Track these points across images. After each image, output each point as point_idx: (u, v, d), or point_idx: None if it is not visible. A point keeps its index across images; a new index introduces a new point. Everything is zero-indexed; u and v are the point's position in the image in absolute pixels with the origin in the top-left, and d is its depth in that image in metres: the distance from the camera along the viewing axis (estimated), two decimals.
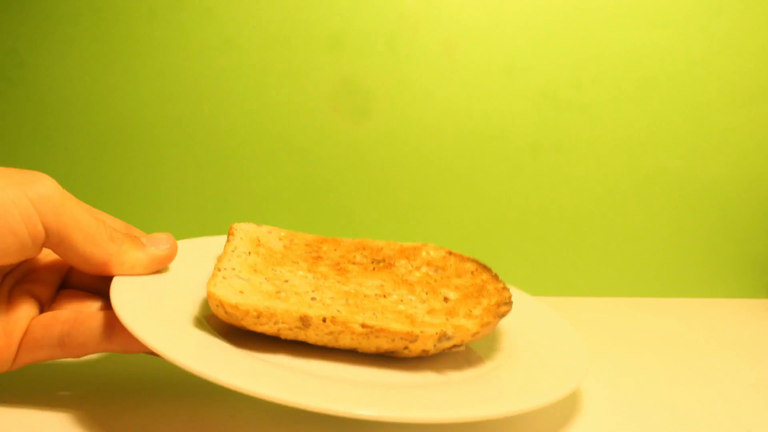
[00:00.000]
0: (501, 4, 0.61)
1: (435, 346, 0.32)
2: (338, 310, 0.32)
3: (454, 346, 0.33)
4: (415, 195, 0.63)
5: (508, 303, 0.35)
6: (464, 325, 0.33)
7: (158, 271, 0.35)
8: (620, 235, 0.62)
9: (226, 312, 0.30)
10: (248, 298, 0.31)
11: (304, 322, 0.30)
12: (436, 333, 0.31)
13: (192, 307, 0.33)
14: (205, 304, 0.34)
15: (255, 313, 0.30)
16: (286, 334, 0.31)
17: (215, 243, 0.42)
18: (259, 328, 0.31)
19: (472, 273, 0.40)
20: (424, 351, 0.32)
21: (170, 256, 0.35)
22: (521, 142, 0.62)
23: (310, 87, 0.62)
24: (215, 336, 0.31)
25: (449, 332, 0.32)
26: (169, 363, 0.27)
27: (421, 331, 0.31)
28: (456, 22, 0.61)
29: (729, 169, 0.61)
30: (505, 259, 0.63)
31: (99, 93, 0.64)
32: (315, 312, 0.31)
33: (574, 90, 0.61)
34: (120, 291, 0.31)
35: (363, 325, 0.31)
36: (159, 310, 0.31)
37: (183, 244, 0.40)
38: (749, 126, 0.61)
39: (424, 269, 0.41)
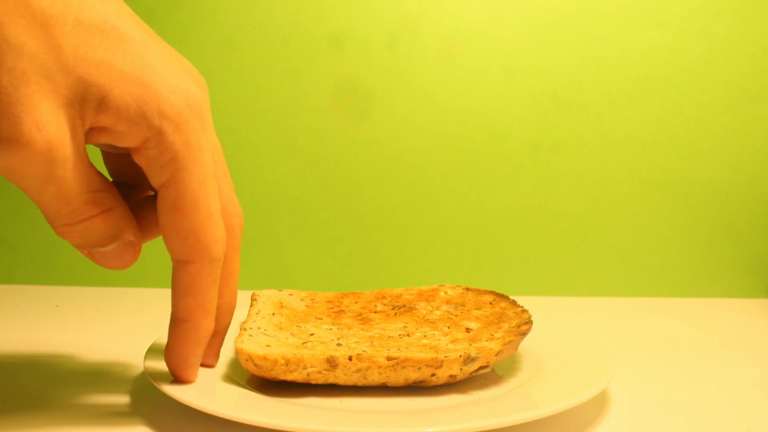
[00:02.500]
0: (501, 5, 0.61)
1: (461, 369, 0.33)
2: (363, 350, 0.33)
3: (481, 367, 0.34)
4: (415, 194, 0.63)
5: (529, 322, 0.37)
6: (487, 346, 0.34)
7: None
8: (620, 235, 0.62)
9: (255, 365, 0.32)
10: (275, 349, 0.33)
11: (331, 363, 0.32)
12: (460, 356, 0.32)
13: (222, 369, 0.35)
14: (235, 365, 0.36)
15: (283, 361, 0.31)
16: (316, 378, 0.32)
17: (238, 313, 0.44)
18: (290, 376, 0.32)
19: (491, 303, 0.42)
20: (451, 376, 0.33)
21: (121, 264, 0.28)
22: (521, 142, 0.62)
23: (310, 87, 0.62)
24: (247, 388, 0.32)
25: (473, 354, 0.33)
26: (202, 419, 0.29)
27: (446, 356, 0.32)
28: (456, 23, 0.61)
29: (729, 169, 0.61)
30: (505, 259, 0.63)
31: None
32: (341, 352, 0.32)
33: (574, 90, 0.61)
34: (153, 360, 0.33)
35: (388, 358, 0.32)
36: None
37: None
38: (749, 126, 0.61)
39: (444, 308, 0.42)
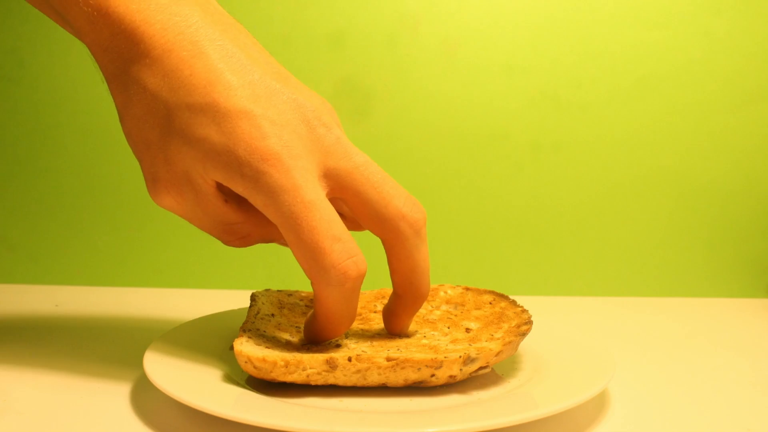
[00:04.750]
0: (501, 4, 0.61)
1: (461, 370, 0.33)
2: (363, 351, 0.33)
3: (481, 368, 0.33)
4: (415, 194, 0.62)
5: (529, 323, 0.37)
6: (487, 347, 0.34)
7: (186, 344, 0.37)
8: (620, 235, 0.62)
9: (255, 367, 0.32)
10: (274, 351, 0.33)
11: (331, 364, 0.31)
12: (460, 356, 0.32)
13: (222, 369, 0.35)
14: (234, 365, 0.36)
15: (283, 363, 0.31)
16: (316, 379, 0.32)
17: (240, 315, 0.44)
18: (289, 378, 0.32)
19: (491, 303, 0.42)
20: (451, 377, 0.33)
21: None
22: (521, 141, 0.62)
23: (310, 86, 0.62)
24: (246, 388, 0.33)
25: (473, 354, 0.33)
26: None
27: (445, 357, 0.32)
28: (456, 22, 0.61)
29: (729, 168, 0.61)
30: (505, 258, 0.63)
31: (99, 92, 0.64)
32: (341, 354, 0.32)
33: (574, 90, 0.61)
34: (153, 361, 0.34)
35: (388, 359, 0.32)
36: (193, 374, 0.33)
37: (208, 319, 0.43)
38: (749, 126, 0.61)
39: (443, 308, 0.42)
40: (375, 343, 0.36)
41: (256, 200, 0.30)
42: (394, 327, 0.37)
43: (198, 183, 0.31)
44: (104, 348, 0.43)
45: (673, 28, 0.60)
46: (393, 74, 0.62)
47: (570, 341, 0.39)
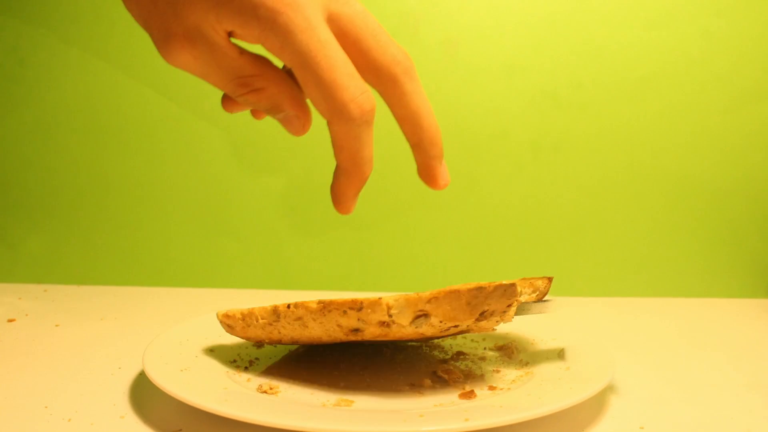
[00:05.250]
0: (501, 4, 0.61)
1: (390, 314, 0.31)
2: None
3: (456, 327, 0.32)
4: (415, 193, 0.63)
5: (509, 301, 0.34)
6: (420, 295, 0.32)
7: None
8: (620, 235, 0.62)
9: (227, 325, 0.36)
10: (236, 308, 0.37)
11: (276, 312, 0.34)
12: (380, 298, 0.32)
13: (223, 369, 0.36)
14: (234, 365, 0.37)
15: (240, 317, 0.36)
16: (269, 331, 0.35)
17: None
18: (250, 332, 0.36)
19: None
20: (381, 323, 0.32)
21: (294, 131, 0.35)
22: (521, 141, 0.62)
23: None
24: (247, 388, 0.34)
25: (392, 303, 0.32)
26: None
27: (365, 298, 0.32)
28: (456, 22, 0.61)
29: (729, 169, 0.61)
30: (505, 258, 0.63)
31: (99, 91, 0.64)
32: (280, 303, 0.35)
33: (574, 89, 0.61)
34: (153, 360, 0.35)
35: (318, 302, 0.33)
36: (192, 373, 0.34)
37: (208, 318, 0.44)
38: (748, 126, 0.61)
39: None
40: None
41: (273, 43, 0.30)
42: (435, 178, 0.36)
43: (210, 35, 0.31)
44: (104, 347, 0.43)
45: (673, 28, 0.60)
46: None
47: (570, 341, 0.39)
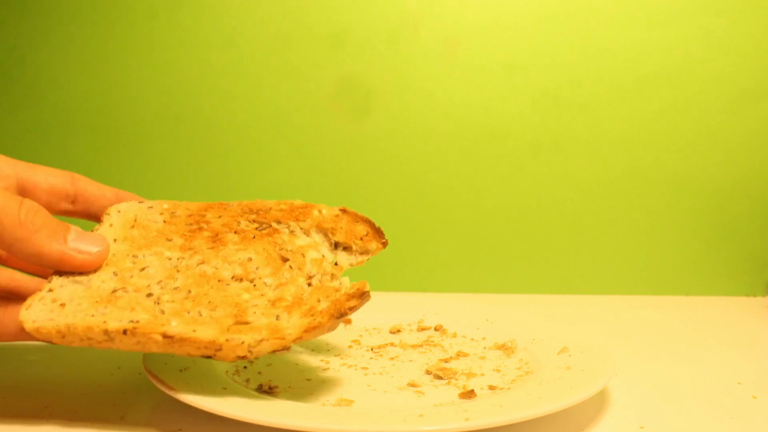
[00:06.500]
0: (502, 4, 0.61)
1: (250, 351, 0.30)
2: (138, 321, 0.30)
3: (277, 350, 0.30)
4: (415, 193, 0.63)
5: (361, 296, 0.33)
6: (284, 331, 0.31)
7: None
8: (620, 234, 0.62)
9: (35, 337, 0.30)
10: (59, 316, 0.30)
11: (108, 336, 0.29)
12: (243, 343, 0.30)
13: (223, 368, 0.36)
14: (234, 365, 0.37)
15: (58, 335, 0.29)
16: (102, 346, 0.30)
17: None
18: (75, 345, 0.30)
19: (362, 239, 0.39)
20: (239, 357, 0.30)
21: (94, 262, 0.33)
22: (522, 140, 0.62)
23: (311, 85, 0.62)
24: (247, 387, 0.33)
25: (254, 344, 0.30)
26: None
27: (226, 340, 0.30)
28: (457, 21, 0.61)
29: (728, 167, 0.61)
30: (505, 257, 0.63)
31: (99, 90, 0.64)
32: (114, 326, 0.29)
33: (575, 89, 0.61)
34: (153, 360, 0.34)
35: (164, 335, 0.29)
36: (192, 372, 0.33)
37: None
38: (748, 125, 0.61)
39: (313, 233, 0.39)
40: (194, 291, 0.33)
41: None
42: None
43: None
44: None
45: (673, 27, 0.60)
46: (393, 73, 0.62)
47: (570, 339, 0.39)
